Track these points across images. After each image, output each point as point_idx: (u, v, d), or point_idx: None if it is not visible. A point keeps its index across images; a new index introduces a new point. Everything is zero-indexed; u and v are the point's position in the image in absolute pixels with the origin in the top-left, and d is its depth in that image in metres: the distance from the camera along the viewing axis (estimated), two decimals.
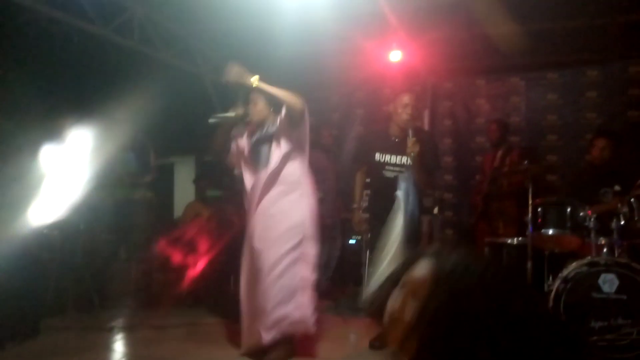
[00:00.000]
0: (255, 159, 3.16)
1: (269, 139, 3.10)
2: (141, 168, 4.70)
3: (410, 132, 3.28)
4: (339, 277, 5.66)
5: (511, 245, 3.88)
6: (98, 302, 4.47)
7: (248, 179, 3.19)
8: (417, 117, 3.49)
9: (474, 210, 5.13)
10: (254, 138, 3.19)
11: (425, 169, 3.38)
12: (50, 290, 4.29)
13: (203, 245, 4.78)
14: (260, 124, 3.16)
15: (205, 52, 5.99)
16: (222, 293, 5.06)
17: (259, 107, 3.08)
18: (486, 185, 4.94)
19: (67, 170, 4.26)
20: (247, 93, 3.10)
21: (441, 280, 0.82)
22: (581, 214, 3.41)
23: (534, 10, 4.56)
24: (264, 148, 3.11)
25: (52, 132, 4.38)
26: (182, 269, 4.59)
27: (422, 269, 0.87)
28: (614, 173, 3.98)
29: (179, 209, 8.27)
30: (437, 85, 6.19)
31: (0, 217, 3.55)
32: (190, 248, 4.74)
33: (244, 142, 3.24)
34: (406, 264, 0.91)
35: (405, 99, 3.42)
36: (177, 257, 4.58)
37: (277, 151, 3.04)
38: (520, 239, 3.85)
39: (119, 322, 4.19)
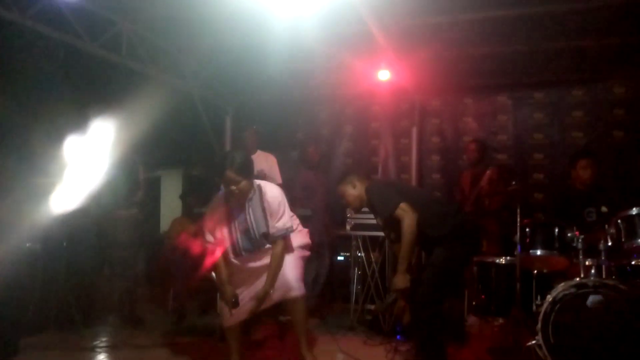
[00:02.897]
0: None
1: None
2: (130, 186, 4.64)
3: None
4: (327, 293, 5.61)
5: (500, 265, 3.87)
6: (80, 320, 4.36)
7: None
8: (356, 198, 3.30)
9: None
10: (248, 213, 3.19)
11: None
12: (30, 307, 4.18)
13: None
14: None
15: (194, 67, 5.97)
16: (206, 311, 5.00)
17: (242, 186, 3.06)
18: (469, 204, 4.97)
19: (52, 186, 4.19)
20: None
21: None
22: (569, 234, 3.42)
23: (519, 31, 4.63)
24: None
25: (37, 146, 4.32)
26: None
27: None
28: (598, 193, 4.01)
29: (165, 222, 8.18)
30: (425, 103, 6.24)
31: None
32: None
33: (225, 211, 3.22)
34: None
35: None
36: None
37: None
38: (508, 258, 3.85)
39: (101, 341, 4.09)
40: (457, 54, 5.12)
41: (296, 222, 3.45)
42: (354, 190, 3.26)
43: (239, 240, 3.17)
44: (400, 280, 2.87)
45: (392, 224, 3.10)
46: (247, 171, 3.05)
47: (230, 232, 3.18)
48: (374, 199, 3.15)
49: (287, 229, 3.17)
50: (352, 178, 3.29)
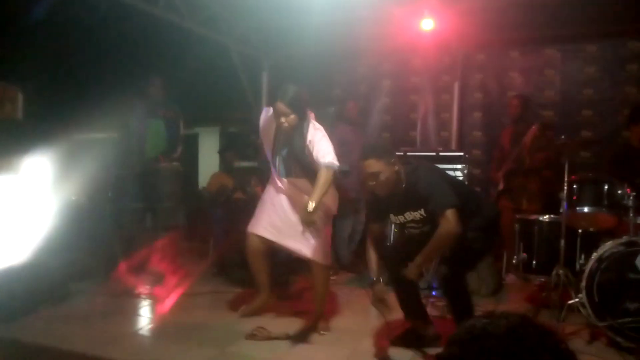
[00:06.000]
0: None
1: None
2: (171, 139, 4.70)
3: None
4: (362, 250, 5.63)
5: (543, 222, 3.77)
6: (125, 268, 4.53)
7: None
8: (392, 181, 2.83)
9: (494, 187, 5.03)
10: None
11: None
12: (79, 256, 4.38)
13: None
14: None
15: (231, 21, 5.89)
16: (245, 263, 5.10)
17: (290, 119, 3.07)
18: (510, 161, 4.83)
19: (96, 140, 4.29)
20: None
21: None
22: (619, 191, 3.27)
23: None
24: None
25: (80, 99, 4.40)
26: None
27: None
28: None
29: (203, 178, 8.35)
30: (469, 57, 6.00)
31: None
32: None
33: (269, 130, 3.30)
34: None
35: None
36: None
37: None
38: (552, 216, 3.73)
39: (145, 288, 4.24)
40: (504, 3, 4.85)
41: None
42: (393, 170, 2.74)
43: (277, 161, 3.26)
44: (412, 273, 2.80)
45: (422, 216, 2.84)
46: (298, 106, 3.05)
47: (272, 151, 3.28)
48: (424, 186, 2.73)
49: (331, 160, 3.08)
50: (393, 157, 2.79)
